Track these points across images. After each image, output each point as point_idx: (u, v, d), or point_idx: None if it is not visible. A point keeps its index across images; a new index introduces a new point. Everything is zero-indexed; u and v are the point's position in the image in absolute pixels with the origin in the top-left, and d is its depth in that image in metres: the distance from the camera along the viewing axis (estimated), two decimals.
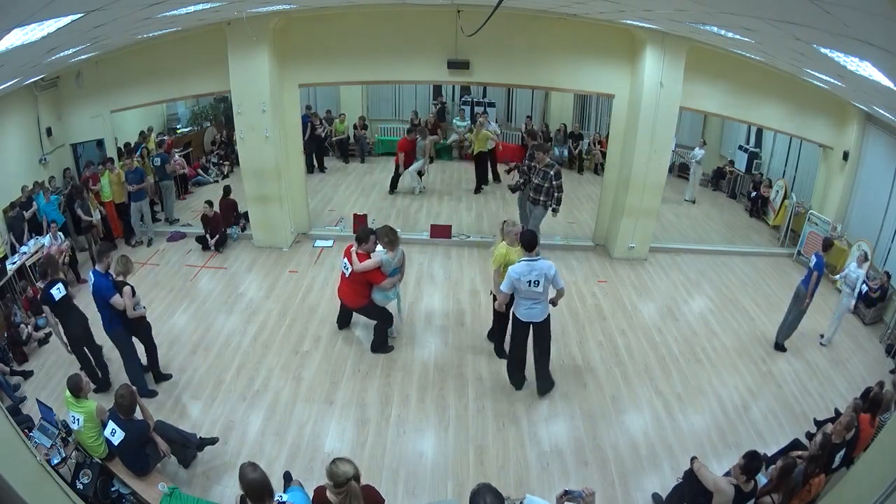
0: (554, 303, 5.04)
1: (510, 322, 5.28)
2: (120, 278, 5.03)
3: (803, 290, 5.99)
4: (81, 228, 7.74)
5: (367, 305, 5.69)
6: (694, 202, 10.80)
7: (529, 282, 4.74)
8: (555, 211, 7.36)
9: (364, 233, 5.51)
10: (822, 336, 6.52)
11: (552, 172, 7.14)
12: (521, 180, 7.76)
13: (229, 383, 5.42)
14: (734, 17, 3.87)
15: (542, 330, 5.05)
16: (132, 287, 5.01)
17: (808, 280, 5.94)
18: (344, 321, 6.24)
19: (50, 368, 5.64)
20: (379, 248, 5.53)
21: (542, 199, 7.32)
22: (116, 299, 4.86)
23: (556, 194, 7.21)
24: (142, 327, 5.25)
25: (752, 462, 3.42)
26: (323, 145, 12.00)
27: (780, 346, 6.29)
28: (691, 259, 8.35)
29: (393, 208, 9.76)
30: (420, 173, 10.43)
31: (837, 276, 6.74)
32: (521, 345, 5.17)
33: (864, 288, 7.09)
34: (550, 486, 4.34)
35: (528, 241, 4.81)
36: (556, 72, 7.73)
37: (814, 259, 5.96)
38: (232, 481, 4.14)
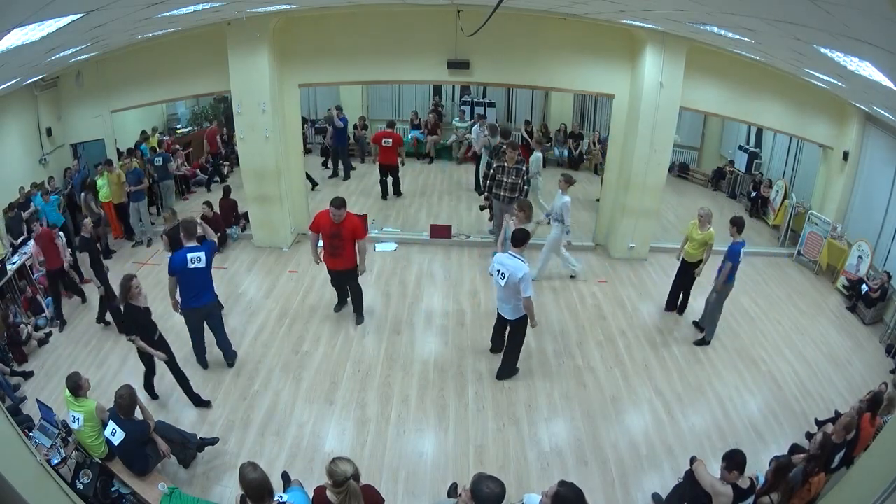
0: (527, 313, 4.94)
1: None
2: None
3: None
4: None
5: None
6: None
7: (496, 272, 4.99)
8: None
9: (339, 199, 5.54)
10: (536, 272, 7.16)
11: (524, 168, 7.26)
12: (489, 202, 7.77)
13: (229, 383, 5.42)
14: (734, 17, 3.87)
15: (512, 327, 5.25)
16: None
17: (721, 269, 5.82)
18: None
19: (50, 368, 5.65)
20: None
21: (517, 196, 7.20)
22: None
23: (525, 188, 7.27)
24: None
25: (731, 460, 3.43)
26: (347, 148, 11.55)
27: (704, 341, 6.23)
28: None
29: (393, 208, 9.76)
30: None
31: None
32: (499, 323, 5.56)
33: (865, 288, 7.11)
34: (550, 486, 4.33)
35: (519, 238, 4.96)
36: (556, 72, 7.73)
37: (730, 247, 5.70)
38: (232, 481, 4.15)
